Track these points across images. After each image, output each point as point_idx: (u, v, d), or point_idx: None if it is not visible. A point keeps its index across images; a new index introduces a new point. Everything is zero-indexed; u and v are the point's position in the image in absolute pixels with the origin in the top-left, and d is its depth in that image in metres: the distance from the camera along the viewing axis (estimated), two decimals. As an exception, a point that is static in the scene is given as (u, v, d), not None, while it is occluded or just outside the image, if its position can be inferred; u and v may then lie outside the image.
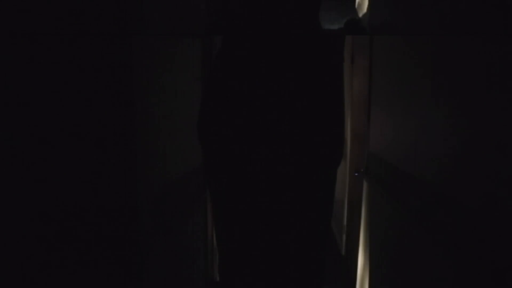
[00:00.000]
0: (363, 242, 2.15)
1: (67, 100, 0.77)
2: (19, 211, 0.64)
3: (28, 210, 0.66)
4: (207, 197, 2.15)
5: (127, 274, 1.07)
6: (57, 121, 0.74)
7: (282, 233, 1.11)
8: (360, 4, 2.18)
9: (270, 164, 1.02)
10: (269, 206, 1.08)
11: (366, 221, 2.05)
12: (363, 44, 2.28)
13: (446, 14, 1.03)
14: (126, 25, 1.02)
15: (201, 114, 1.06)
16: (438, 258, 1.07)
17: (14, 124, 0.62)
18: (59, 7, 0.74)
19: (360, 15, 2.11)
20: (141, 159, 1.15)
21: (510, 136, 0.74)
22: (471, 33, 0.89)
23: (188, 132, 1.64)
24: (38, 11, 0.67)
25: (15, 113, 0.63)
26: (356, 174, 2.41)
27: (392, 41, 1.56)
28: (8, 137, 0.61)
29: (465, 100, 0.92)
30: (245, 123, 0.99)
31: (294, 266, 1.12)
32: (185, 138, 1.63)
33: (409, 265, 1.30)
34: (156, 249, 1.29)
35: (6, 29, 0.60)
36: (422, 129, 1.19)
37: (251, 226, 1.10)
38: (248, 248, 1.12)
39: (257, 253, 1.13)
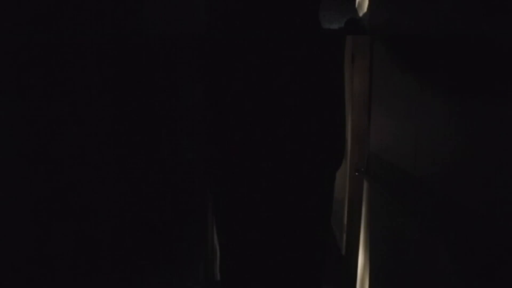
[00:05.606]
0: (363, 242, 2.15)
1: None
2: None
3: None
4: (207, 196, 2.15)
5: (128, 274, 1.07)
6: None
7: (282, 233, 1.11)
8: (360, 4, 2.18)
9: (270, 164, 1.02)
10: (269, 206, 1.09)
11: (366, 221, 2.06)
12: (363, 44, 2.28)
13: (446, 14, 1.03)
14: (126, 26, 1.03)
15: (202, 114, 1.06)
16: (438, 258, 1.07)
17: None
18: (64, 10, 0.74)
19: (360, 15, 2.11)
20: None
21: (510, 136, 0.74)
22: (471, 33, 0.90)
23: (189, 132, 1.64)
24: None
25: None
26: (356, 173, 2.41)
27: (393, 40, 1.56)
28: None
29: (466, 100, 0.93)
30: (245, 124, 0.99)
31: (294, 266, 1.13)
32: (186, 138, 1.63)
33: (409, 265, 1.30)
34: (156, 248, 1.29)
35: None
36: (422, 129, 1.19)
37: (251, 226, 1.10)
38: (248, 247, 1.12)
39: (257, 253, 1.13)
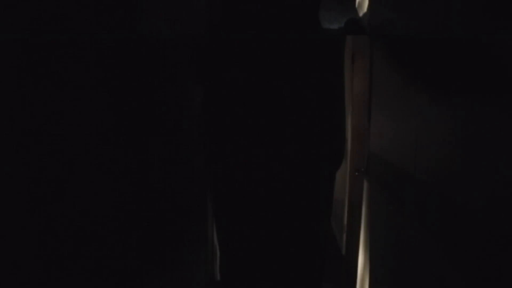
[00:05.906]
0: (363, 242, 2.15)
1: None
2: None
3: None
4: (207, 196, 2.15)
5: (128, 275, 1.07)
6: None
7: (282, 233, 1.11)
8: (360, 4, 2.18)
9: (271, 165, 1.02)
10: (269, 206, 1.09)
11: (366, 221, 2.06)
12: (363, 44, 2.28)
13: (446, 14, 1.03)
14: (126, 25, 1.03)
15: (203, 115, 1.06)
16: (437, 258, 1.07)
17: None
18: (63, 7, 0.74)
19: (360, 15, 2.11)
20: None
21: (510, 136, 0.74)
22: (471, 33, 0.90)
23: (189, 132, 1.64)
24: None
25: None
26: (356, 173, 2.41)
27: (393, 41, 1.56)
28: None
29: (466, 100, 0.93)
30: (246, 124, 0.99)
31: (294, 266, 1.13)
32: (187, 138, 1.63)
33: (409, 265, 1.30)
34: (156, 248, 1.29)
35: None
36: (422, 129, 1.19)
37: (252, 226, 1.10)
38: (248, 247, 1.12)
39: (257, 253, 1.13)
